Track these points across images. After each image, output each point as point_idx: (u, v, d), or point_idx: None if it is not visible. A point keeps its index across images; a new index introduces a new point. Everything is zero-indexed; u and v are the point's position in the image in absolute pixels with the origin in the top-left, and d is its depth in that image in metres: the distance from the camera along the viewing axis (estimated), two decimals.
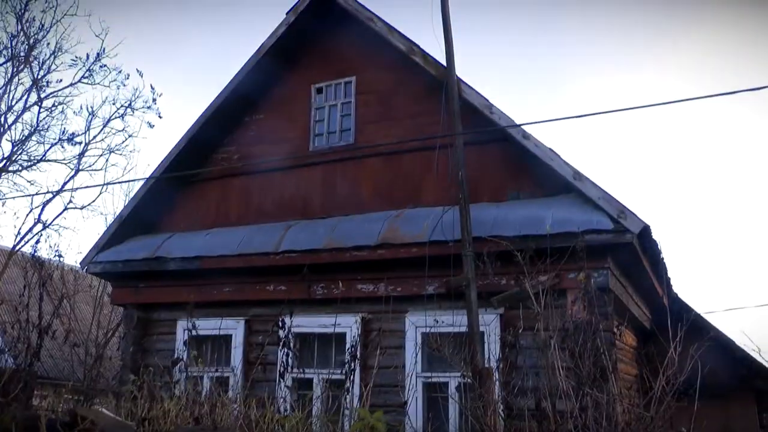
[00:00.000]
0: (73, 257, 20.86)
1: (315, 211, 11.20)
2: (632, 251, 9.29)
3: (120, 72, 23.30)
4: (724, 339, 12.99)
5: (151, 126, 23.19)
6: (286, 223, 11.17)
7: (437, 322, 8.94)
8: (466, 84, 10.20)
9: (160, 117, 23.08)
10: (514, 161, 10.13)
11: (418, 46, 10.76)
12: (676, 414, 8.34)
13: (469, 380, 7.97)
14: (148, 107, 22.92)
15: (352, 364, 9.07)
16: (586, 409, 6.47)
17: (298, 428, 6.20)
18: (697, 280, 44.83)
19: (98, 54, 22.64)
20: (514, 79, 58.58)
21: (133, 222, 12.49)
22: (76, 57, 22.69)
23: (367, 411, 6.00)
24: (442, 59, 10.16)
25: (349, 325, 10.06)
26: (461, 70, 10.28)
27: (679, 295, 12.23)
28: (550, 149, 9.59)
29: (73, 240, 40.90)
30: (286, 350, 9.71)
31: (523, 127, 9.78)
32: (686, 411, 7.42)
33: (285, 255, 10.61)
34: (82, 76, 22.68)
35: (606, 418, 6.41)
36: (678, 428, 10.19)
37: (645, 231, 9.12)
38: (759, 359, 15.39)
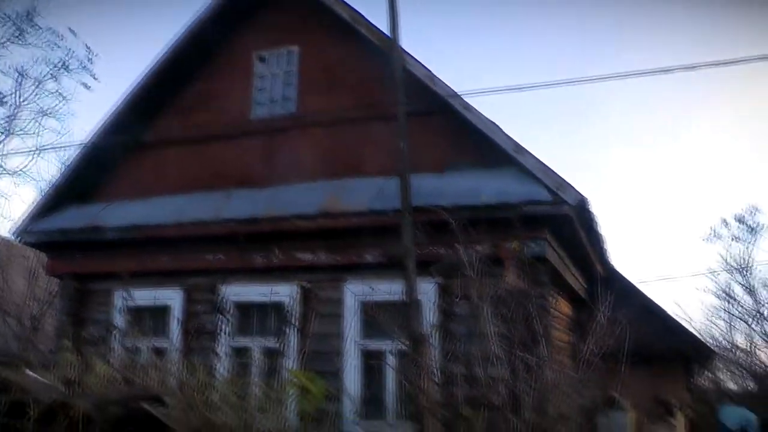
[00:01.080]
0: (5, 226, 20.17)
1: (255, 180, 11.08)
2: (569, 223, 9.44)
3: (53, 32, 22.18)
4: (656, 309, 13.36)
5: (87, 87, 22.34)
6: (226, 191, 11.06)
7: (373, 290, 8.99)
8: (410, 55, 10.16)
9: (95, 79, 22.19)
10: (456, 133, 10.16)
11: (363, 16, 10.68)
12: (609, 378, 8.57)
13: (405, 347, 8.06)
14: (84, 67, 22.09)
15: (289, 331, 9.11)
16: (516, 372, 6.61)
17: (231, 390, 6.18)
18: (634, 252, 45.85)
19: (29, 12, 21.73)
20: (470, 57, 58.61)
21: (69, 190, 12.23)
22: (5, 15, 21.66)
23: (300, 372, 6.01)
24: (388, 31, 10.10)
25: (288, 293, 10.02)
26: (415, 50, 10.26)
27: (615, 266, 12.49)
28: (491, 122, 9.66)
29: (5, 208, 39.70)
30: (223, 319, 9.71)
31: (465, 99, 9.84)
32: (618, 376, 7.63)
33: (224, 224, 10.53)
34: (12, 35, 21.80)
35: (536, 380, 6.55)
36: (609, 392, 10.50)
37: (582, 203, 9.28)
38: (689, 328, 15.89)
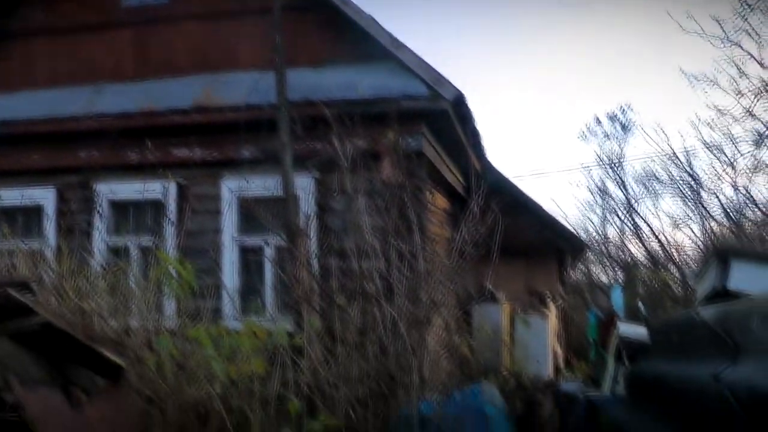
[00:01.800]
0: None
1: (127, 74, 10.64)
2: (447, 118, 9.56)
3: None
4: (531, 203, 13.78)
5: None
6: (97, 85, 10.62)
7: (248, 182, 8.97)
8: None
9: None
10: (334, 27, 10.03)
11: None
12: (483, 270, 8.85)
13: (283, 240, 8.12)
14: None
15: (165, 228, 9.01)
16: (391, 262, 6.77)
17: (103, 279, 6.12)
18: (510, 148, 47.18)
19: None
20: None
21: None
22: None
23: (169, 256, 5.90)
24: None
25: (163, 190, 9.85)
26: None
27: (491, 161, 12.74)
28: (369, 16, 9.59)
29: None
30: (97, 217, 9.50)
31: None
32: (492, 267, 7.90)
33: (97, 119, 10.14)
34: None
35: (409, 269, 6.73)
36: (483, 283, 10.89)
37: (459, 98, 9.39)
38: (563, 223, 16.50)
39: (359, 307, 6.91)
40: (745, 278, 5.62)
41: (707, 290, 6.14)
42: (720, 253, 6.03)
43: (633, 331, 7.24)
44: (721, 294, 5.64)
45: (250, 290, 9.36)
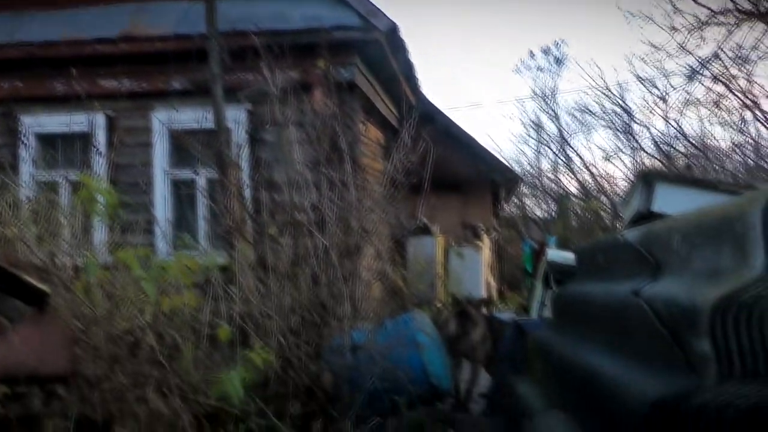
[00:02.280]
0: None
1: (52, 2, 10.29)
2: (380, 49, 9.54)
3: None
4: (465, 136, 13.87)
5: None
6: (20, 12, 10.24)
7: (180, 115, 8.83)
8: None
9: None
10: None
11: None
12: (417, 203, 8.90)
13: (215, 173, 8.05)
14: None
15: (95, 162, 8.84)
16: (322, 191, 6.77)
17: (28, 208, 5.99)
18: (448, 82, 47.21)
19: None
20: None
21: None
22: None
23: (91, 179, 5.72)
24: None
25: (92, 123, 9.61)
26: None
27: (426, 95, 12.76)
28: None
29: None
30: (24, 149, 9.28)
31: None
32: (427, 200, 7.94)
33: (20, 47, 9.82)
34: None
35: (340, 198, 6.74)
36: (417, 215, 10.96)
37: (392, 29, 9.37)
38: (498, 156, 16.70)
39: (291, 237, 6.90)
40: (668, 201, 5.79)
41: (633, 213, 6.30)
42: (645, 177, 6.18)
43: (561, 256, 7.41)
44: (646, 216, 5.79)
45: (182, 223, 9.29)
